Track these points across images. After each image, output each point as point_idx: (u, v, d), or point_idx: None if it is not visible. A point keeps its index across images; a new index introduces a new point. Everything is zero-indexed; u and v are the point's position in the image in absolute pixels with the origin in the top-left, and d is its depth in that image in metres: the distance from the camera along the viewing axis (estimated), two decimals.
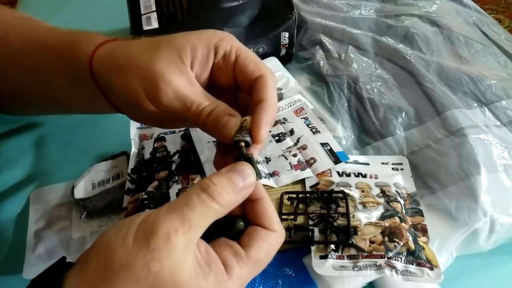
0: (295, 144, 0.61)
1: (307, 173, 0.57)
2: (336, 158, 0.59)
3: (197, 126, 0.42)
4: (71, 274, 0.32)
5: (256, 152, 0.40)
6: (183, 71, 0.40)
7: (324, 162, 0.58)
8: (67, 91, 0.50)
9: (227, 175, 0.35)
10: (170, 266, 0.30)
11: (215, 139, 0.49)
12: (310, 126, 0.63)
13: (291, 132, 0.62)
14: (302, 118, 0.64)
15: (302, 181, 0.57)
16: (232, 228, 0.37)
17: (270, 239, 0.36)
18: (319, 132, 0.62)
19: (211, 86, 0.43)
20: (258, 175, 0.37)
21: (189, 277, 0.31)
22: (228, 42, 0.42)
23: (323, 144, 0.60)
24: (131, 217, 0.33)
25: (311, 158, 0.59)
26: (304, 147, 0.60)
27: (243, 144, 0.38)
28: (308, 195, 0.55)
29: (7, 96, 0.57)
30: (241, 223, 0.37)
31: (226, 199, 0.33)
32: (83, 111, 0.58)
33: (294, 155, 0.59)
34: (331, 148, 0.60)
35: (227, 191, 0.34)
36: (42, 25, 0.53)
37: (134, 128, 0.65)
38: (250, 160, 0.37)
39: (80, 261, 0.32)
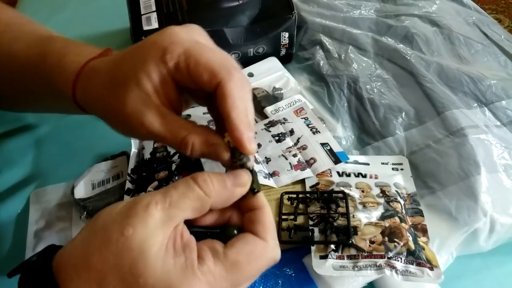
0: (295, 144, 0.61)
1: (307, 173, 0.57)
2: (336, 158, 0.59)
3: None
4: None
5: (254, 154, 0.39)
6: (150, 106, 0.38)
7: (324, 162, 0.58)
8: (51, 104, 0.52)
9: (221, 173, 0.35)
10: (141, 234, 0.30)
11: None
12: (310, 126, 0.63)
13: (291, 132, 0.62)
14: (302, 118, 0.64)
15: (302, 181, 0.57)
16: (224, 233, 0.36)
17: (256, 246, 0.34)
18: (319, 132, 0.62)
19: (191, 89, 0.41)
20: (257, 186, 0.37)
21: (158, 251, 0.30)
22: (174, 49, 0.37)
23: (323, 144, 0.60)
24: None
25: (311, 158, 0.59)
26: (304, 147, 0.60)
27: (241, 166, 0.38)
28: (308, 195, 0.55)
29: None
30: (235, 231, 0.36)
31: (210, 187, 0.34)
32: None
33: (294, 155, 0.59)
34: (331, 148, 0.60)
35: (213, 181, 0.34)
36: (23, 39, 0.52)
37: None
38: (251, 172, 0.38)
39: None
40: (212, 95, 0.37)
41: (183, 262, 0.31)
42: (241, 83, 0.37)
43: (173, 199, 0.32)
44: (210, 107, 0.43)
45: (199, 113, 0.64)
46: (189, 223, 0.35)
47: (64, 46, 0.48)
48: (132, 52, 0.40)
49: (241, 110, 0.36)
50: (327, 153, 0.59)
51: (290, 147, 0.60)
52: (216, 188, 0.34)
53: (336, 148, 0.60)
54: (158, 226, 0.31)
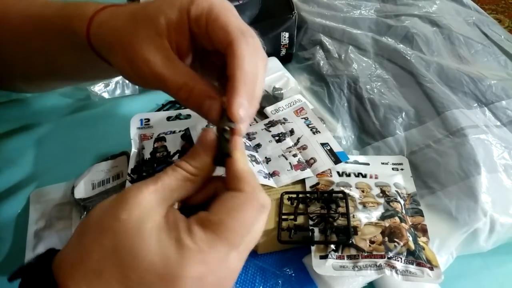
0: (295, 144, 0.61)
1: (307, 173, 0.57)
2: (336, 158, 0.59)
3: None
4: None
5: (243, 132, 0.37)
6: (160, 46, 0.38)
7: (324, 162, 0.58)
8: (72, 63, 0.50)
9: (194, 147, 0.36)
10: (137, 216, 0.31)
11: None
12: (310, 126, 0.63)
13: (291, 132, 0.62)
14: (302, 118, 0.64)
15: (302, 181, 0.57)
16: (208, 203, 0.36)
17: (234, 199, 0.33)
18: (319, 132, 0.62)
19: (201, 49, 0.41)
20: (226, 149, 0.35)
21: (153, 230, 0.31)
22: (200, 3, 0.38)
23: (323, 144, 0.60)
24: None
25: (311, 158, 0.59)
26: (304, 147, 0.60)
27: (227, 136, 0.36)
28: (308, 195, 0.55)
29: (16, 72, 0.57)
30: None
31: (191, 165, 0.35)
32: (93, 78, 0.60)
33: (294, 155, 0.59)
34: (331, 148, 0.60)
35: (190, 159, 0.35)
36: (36, 1, 0.52)
37: (134, 128, 0.65)
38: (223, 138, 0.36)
39: None
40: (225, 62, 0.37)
41: (175, 236, 0.31)
42: (254, 49, 0.37)
43: (164, 182, 0.33)
44: (221, 82, 0.43)
45: None
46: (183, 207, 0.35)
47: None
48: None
49: (247, 73, 0.36)
50: (327, 153, 0.59)
51: (290, 147, 0.60)
52: (195, 164, 0.35)
53: (336, 148, 0.60)
54: (153, 207, 0.32)
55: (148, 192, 0.32)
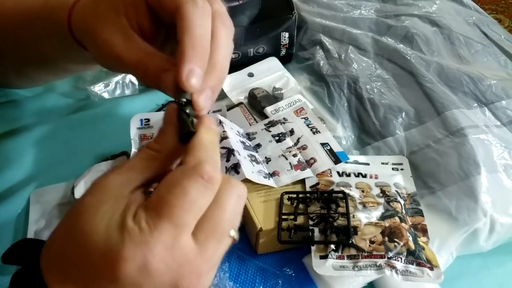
0: (295, 144, 0.61)
1: (307, 173, 0.57)
2: (336, 158, 0.59)
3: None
4: None
5: (203, 103, 0.35)
6: (118, 25, 0.37)
7: (324, 162, 0.58)
8: (59, 53, 0.50)
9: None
10: (99, 199, 0.30)
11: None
12: (310, 126, 0.63)
13: (291, 132, 0.62)
14: (302, 118, 0.64)
15: (302, 181, 0.57)
16: None
17: (172, 174, 0.31)
18: (319, 132, 0.62)
19: (167, 24, 0.40)
20: (187, 126, 0.33)
21: (109, 214, 0.30)
22: None
23: (323, 144, 0.60)
24: None
25: (311, 158, 0.59)
26: (304, 147, 0.60)
27: (183, 102, 0.34)
28: (308, 195, 0.55)
29: (8, 66, 0.58)
30: None
31: (156, 143, 0.33)
32: (83, 68, 0.61)
33: (294, 155, 0.59)
34: (331, 148, 0.60)
35: (157, 138, 0.34)
36: None
37: (134, 128, 0.65)
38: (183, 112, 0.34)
39: None
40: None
41: (122, 218, 0.30)
42: (205, 12, 0.35)
43: (130, 163, 0.33)
44: None
45: None
46: None
47: None
48: None
49: (196, 37, 0.34)
50: (327, 153, 0.59)
51: (290, 147, 0.60)
52: (159, 140, 0.33)
53: (336, 148, 0.60)
54: (115, 190, 0.31)
55: (113, 175, 0.31)
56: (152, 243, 0.28)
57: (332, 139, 0.61)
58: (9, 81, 0.65)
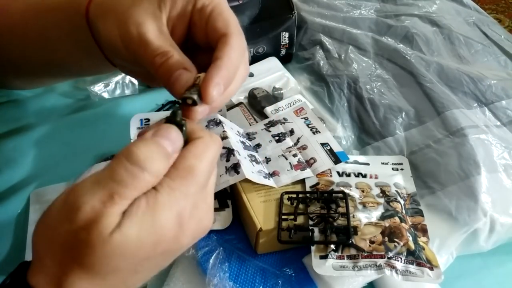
0: (295, 144, 0.61)
1: (307, 173, 0.57)
2: (336, 158, 0.59)
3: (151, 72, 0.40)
4: None
5: (202, 115, 0.37)
6: (156, 18, 0.40)
7: (324, 162, 0.58)
8: (68, 51, 0.51)
9: (154, 140, 0.33)
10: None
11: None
12: (310, 126, 0.63)
13: (291, 132, 0.62)
14: (302, 118, 0.64)
15: (302, 181, 0.57)
16: None
17: (197, 144, 0.34)
18: (319, 132, 0.62)
19: (192, 44, 0.43)
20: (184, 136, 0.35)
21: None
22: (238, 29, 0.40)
23: (323, 144, 0.60)
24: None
25: (311, 158, 0.59)
26: (304, 147, 0.60)
27: (190, 101, 0.36)
28: (308, 195, 0.55)
29: (10, 67, 0.58)
30: None
31: (155, 167, 0.31)
32: (85, 71, 0.61)
33: (294, 155, 0.59)
34: (331, 148, 0.60)
35: (156, 159, 0.32)
36: None
37: (134, 128, 0.65)
38: (181, 126, 0.35)
39: None
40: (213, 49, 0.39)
41: (145, 203, 0.31)
42: (243, 51, 0.40)
43: (122, 195, 0.31)
44: None
45: None
46: None
47: None
48: None
49: (232, 62, 0.38)
50: (327, 153, 0.59)
51: (290, 147, 0.60)
52: (162, 166, 0.33)
53: (336, 148, 0.60)
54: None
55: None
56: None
57: (332, 139, 0.61)
58: (7, 82, 0.65)
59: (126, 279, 0.33)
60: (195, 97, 0.36)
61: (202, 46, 0.42)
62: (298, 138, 0.62)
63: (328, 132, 0.62)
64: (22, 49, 0.54)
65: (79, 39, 0.47)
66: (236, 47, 0.39)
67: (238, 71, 0.39)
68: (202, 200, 0.35)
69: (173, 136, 0.34)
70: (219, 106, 0.40)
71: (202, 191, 0.35)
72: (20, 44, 0.54)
